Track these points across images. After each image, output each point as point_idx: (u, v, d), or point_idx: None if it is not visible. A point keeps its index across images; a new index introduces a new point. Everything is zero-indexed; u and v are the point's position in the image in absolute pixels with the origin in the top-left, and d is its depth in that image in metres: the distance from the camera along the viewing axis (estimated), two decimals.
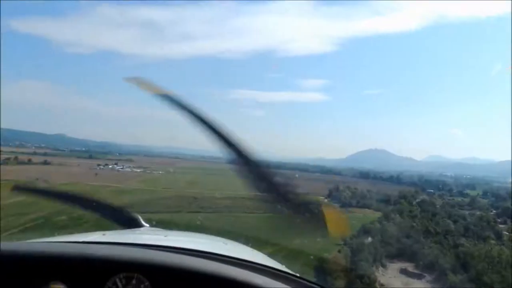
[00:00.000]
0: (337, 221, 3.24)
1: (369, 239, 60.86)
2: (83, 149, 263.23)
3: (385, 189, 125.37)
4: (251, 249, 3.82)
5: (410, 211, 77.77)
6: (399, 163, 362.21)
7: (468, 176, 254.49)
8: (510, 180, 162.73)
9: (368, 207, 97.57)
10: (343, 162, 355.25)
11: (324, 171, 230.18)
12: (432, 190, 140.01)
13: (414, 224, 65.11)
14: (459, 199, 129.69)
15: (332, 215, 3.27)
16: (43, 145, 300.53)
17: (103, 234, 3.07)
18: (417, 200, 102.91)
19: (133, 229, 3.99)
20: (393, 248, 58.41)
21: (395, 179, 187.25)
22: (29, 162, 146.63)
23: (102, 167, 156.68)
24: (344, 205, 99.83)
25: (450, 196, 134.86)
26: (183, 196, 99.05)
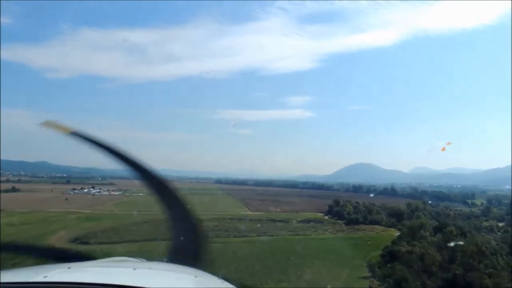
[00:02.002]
0: None
1: (402, 267, 43.32)
2: (65, 175, 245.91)
3: (384, 202, 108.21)
4: (221, 280, 3.31)
5: (425, 227, 60.74)
6: (386, 176, 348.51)
7: (459, 186, 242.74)
8: (509, 187, 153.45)
9: (378, 223, 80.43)
10: (331, 178, 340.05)
11: (315, 187, 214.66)
12: (430, 202, 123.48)
13: (451, 244, 47.98)
14: (467, 209, 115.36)
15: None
16: (22, 172, 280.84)
17: (68, 268, 2.72)
18: (431, 213, 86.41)
19: (102, 260, 3.67)
20: (441, 278, 41.10)
21: (389, 192, 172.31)
22: None
23: (77, 191, 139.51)
24: (350, 222, 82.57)
25: (455, 206, 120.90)
26: (161, 219, 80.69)
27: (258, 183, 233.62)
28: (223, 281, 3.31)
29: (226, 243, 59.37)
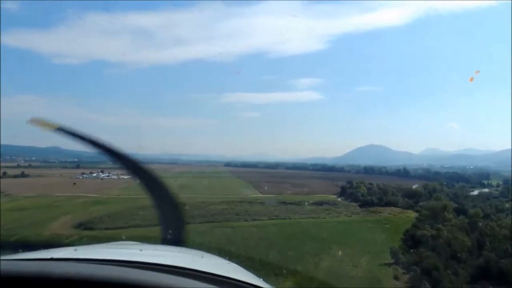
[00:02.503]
0: None
1: (429, 254, 39.03)
2: (76, 160, 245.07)
3: (398, 184, 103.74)
4: (228, 262, 3.42)
5: (448, 209, 56.31)
6: (397, 157, 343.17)
7: (471, 167, 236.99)
8: None
9: (394, 205, 76.10)
10: (341, 160, 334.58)
11: (325, 168, 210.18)
12: (445, 183, 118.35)
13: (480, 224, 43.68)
14: (486, 190, 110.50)
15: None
16: (34, 158, 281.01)
17: (75, 250, 2.82)
18: (449, 194, 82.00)
19: (107, 243, 3.69)
20: (473, 265, 36.84)
21: (402, 173, 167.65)
22: (4, 175, 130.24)
23: (86, 176, 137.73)
24: (365, 204, 78.30)
25: (471, 187, 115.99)
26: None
27: (268, 166, 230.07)
28: (230, 262, 3.38)
29: (236, 227, 55.78)
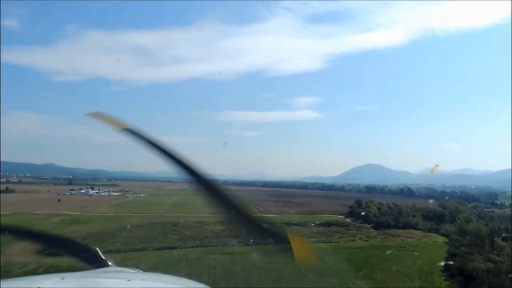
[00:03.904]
0: (303, 249, 2.88)
1: None
2: (70, 177, 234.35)
3: (405, 203, 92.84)
4: None
5: (497, 234, 45.62)
6: (395, 177, 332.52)
7: (472, 187, 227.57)
8: None
9: (413, 227, 65.36)
10: (338, 179, 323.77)
11: (325, 187, 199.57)
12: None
13: None
14: (502, 211, 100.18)
15: (297, 242, 2.89)
16: (28, 174, 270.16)
17: (62, 278, 2.60)
18: (473, 214, 71.21)
19: (95, 271, 3.38)
20: None
21: (406, 192, 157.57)
22: None
23: (74, 192, 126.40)
24: (379, 225, 67.54)
25: (485, 207, 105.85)
26: (159, 222, 66.22)
27: (266, 184, 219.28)
28: None
29: (234, 254, 44.67)
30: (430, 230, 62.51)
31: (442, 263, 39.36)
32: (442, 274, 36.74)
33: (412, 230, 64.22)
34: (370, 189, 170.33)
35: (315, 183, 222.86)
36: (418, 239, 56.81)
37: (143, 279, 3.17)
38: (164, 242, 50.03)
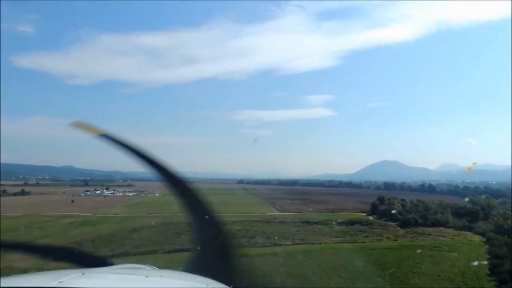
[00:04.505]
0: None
1: None
2: (87, 178, 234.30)
3: (428, 199, 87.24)
4: None
5: None
6: (413, 173, 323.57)
7: (494, 182, 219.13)
8: None
9: (443, 225, 60.23)
10: (354, 176, 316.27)
11: (342, 185, 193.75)
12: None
13: None
14: None
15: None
16: (47, 176, 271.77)
17: (82, 274, 2.62)
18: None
19: (114, 266, 3.56)
20: None
21: (427, 188, 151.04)
22: (4, 193, 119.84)
23: (89, 193, 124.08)
24: (405, 223, 62.53)
25: None
26: (173, 222, 62.44)
27: (281, 183, 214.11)
28: None
29: (252, 257, 40.32)
30: (462, 228, 57.27)
31: (486, 265, 34.43)
32: (490, 279, 31.86)
33: (442, 228, 59.10)
34: (389, 186, 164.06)
35: (331, 181, 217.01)
36: (451, 238, 51.75)
37: (160, 276, 3.12)
38: (176, 244, 46.07)
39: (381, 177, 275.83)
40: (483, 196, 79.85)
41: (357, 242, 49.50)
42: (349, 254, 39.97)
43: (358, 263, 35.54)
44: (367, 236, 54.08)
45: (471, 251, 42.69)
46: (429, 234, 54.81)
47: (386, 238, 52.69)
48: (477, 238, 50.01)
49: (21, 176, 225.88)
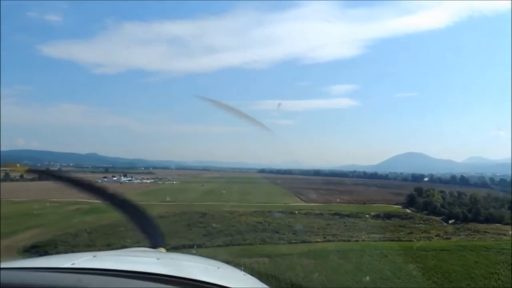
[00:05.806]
0: None
1: None
2: (110, 165, 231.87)
3: (473, 192, 76.62)
4: (243, 273, 3.23)
5: None
6: (438, 166, 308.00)
7: None
8: None
9: (499, 222, 50.28)
10: (378, 168, 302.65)
11: (368, 176, 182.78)
12: None
13: None
14: None
15: None
16: (71, 164, 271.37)
17: (94, 256, 2.61)
18: None
19: (125, 249, 3.59)
20: None
21: (459, 181, 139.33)
22: (21, 178, 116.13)
23: (106, 179, 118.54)
24: (452, 217, 52.77)
25: None
26: (186, 212, 54.70)
27: (304, 173, 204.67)
28: (245, 273, 3.23)
29: (275, 257, 31.94)
30: None
31: None
32: None
33: (498, 225, 49.25)
34: (418, 178, 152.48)
35: (354, 171, 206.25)
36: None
37: (171, 258, 3.09)
38: (186, 239, 38.19)
39: (405, 169, 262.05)
40: None
41: (401, 240, 40.34)
42: (398, 257, 30.99)
43: (414, 271, 26.64)
44: (411, 233, 44.81)
45: None
46: (486, 232, 45.09)
47: (435, 236, 43.31)
48: None
49: (46, 163, 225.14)
